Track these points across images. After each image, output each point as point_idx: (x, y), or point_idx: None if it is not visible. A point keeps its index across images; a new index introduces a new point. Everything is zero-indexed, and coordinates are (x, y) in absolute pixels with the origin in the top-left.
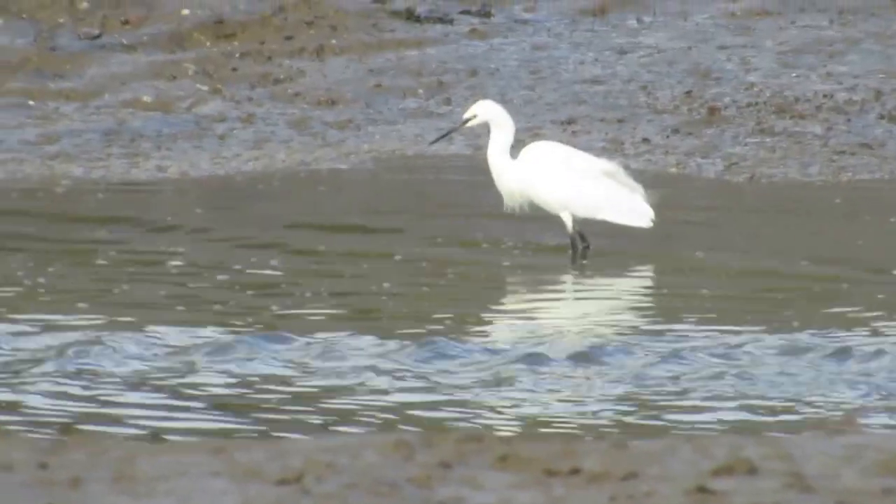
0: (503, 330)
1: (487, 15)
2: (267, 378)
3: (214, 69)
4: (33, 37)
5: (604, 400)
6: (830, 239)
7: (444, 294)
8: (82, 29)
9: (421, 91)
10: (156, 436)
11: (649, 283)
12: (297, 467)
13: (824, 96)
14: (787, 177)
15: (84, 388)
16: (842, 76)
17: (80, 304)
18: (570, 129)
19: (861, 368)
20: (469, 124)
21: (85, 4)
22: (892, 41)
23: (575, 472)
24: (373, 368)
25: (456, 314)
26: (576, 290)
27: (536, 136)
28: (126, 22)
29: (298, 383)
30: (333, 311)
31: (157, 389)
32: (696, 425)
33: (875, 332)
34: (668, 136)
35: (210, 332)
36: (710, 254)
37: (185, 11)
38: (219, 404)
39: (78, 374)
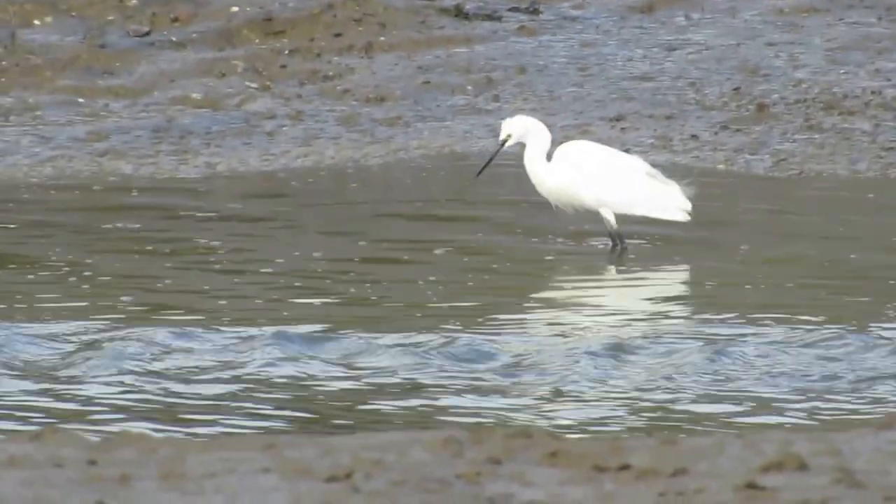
0: (545, 324)
1: (536, 12)
2: (310, 375)
3: (263, 66)
4: (83, 34)
5: (645, 395)
6: (878, 234)
7: (486, 287)
8: (131, 26)
9: (469, 88)
10: (205, 433)
11: (693, 276)
12: (346, 464)
13: (872, 93)
14: (836, 173)
15: (135, 383)
16: (890, 73)
17: (124, 298)
18: (618, 126)
19: None
20: (508, 145)
21: (134, 2)
22: None
23: (624, 468)
24: (411, 365)
25: (496, 308)
26: (619, 283)
27: (585, 133)
28: (175, 19)
29: (342, 380)
30: (379, 307)
31: (200, 385)
32: (743, 421)
33: None
34: (716, 133)
35: (252, 329)
36: (755, 247)
37: (234, 8)
38: (264, 401)
39: (129, 370)
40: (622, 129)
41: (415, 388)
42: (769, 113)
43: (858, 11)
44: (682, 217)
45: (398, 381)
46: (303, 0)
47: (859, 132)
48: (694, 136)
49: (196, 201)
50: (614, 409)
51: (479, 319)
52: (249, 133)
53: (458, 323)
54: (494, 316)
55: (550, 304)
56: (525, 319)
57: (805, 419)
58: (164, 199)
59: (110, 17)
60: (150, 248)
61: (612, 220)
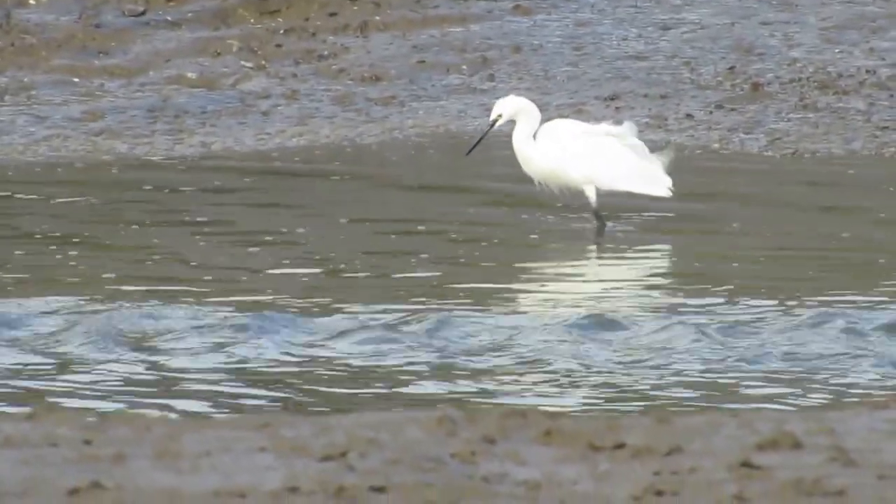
0: (536, 300)
1: None
2: (300, 355)
3: (259, 46)
4: (78, 13)
5: (634, 372)
6: (871, 213)
7: (476, 264)
8: (126, 6)
9: (465, 67)
10: (200, 412)
11: (682, 252)
12: (341, 443)
13: (867, 72)
14: (830, 152)
15: (130, 362)
16: (885, 52)
17: (118, 275)
18: (613, 105)
19: None
20: (498, 124)
21: None
22: None
23: (619, 447)
24: (402, 343)
25: (485, 285)
26: (608, 259)
27: (580, 113)
28: None
29: (330, 359)
30: (370, 285)
31: (195, 364)
32: (736, 399)
33: None
34: (711, 112)
35: (246, 307)
36: (746, 226)
37: None
38: (257, 381)
39: (124, 349)
40: (617, 108)
41: (406, 367)
42: (764, 92)
43: None
44: (666, 192)
45: (389, 360)
46: None
47: (854, 111)
48: (689, 116)
49: (189, 178)
50: (604, 387)
51: (468, 296)
52: (245, 112)
53: (448, 300)
54: (483, 293)
55: (539, 280)
56: (515, 296)
57: (797, 397)
58: (158, 176)
59: None
60: (143, 224)
61: (593, 197)
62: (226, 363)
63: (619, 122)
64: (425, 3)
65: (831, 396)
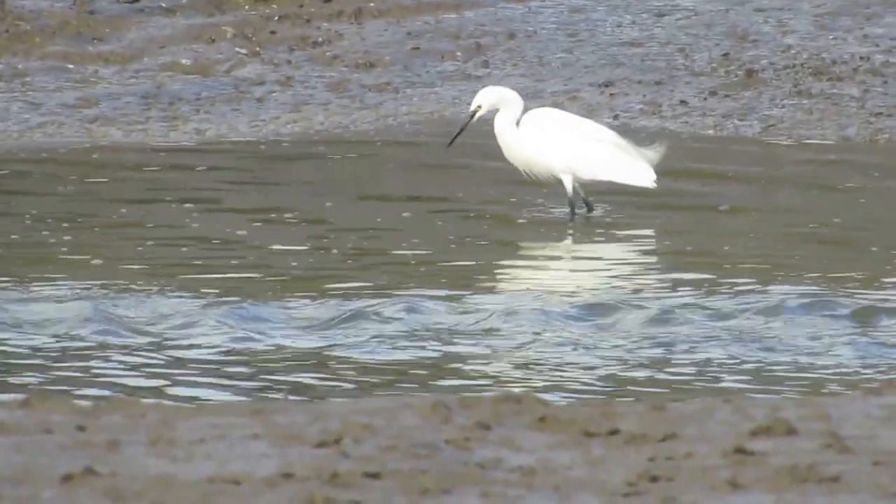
0: (528, 285)
1: None
2: (290, 344)
3: (253, 32)
4: (72, 0)
5: (626, 357)
6: (864, 199)
7: (467, 247)
8: None
9: (459, 54)
10: (194, 399)
11: (673, 238)
12: (336, 430)
13: (861, 59)
14: (824, 138)
15: (123, 348)
16: (879, 38)
17: (111, 263)
18: (607, 92)
19: (892, 330)
20: (478, 115)
21: None
22: None
23: (613, 433)
24: (394, 327)
25: (476, 270)
26: (595, 243)
27: (574, 99)
28: None
29: (321, 344)
30: (361, 271)
31: (189, 351)
32: (729, 385)
33: None
34: (705, 99)
35: (235, 295)
36: (736, 210)
37: None
38: (252, 367)
39: (117, 335)
40: (611, 94)
41: (398, 351)
42: (758, 79)
43: None
44: (649, 183)
45: (383, 345)
46: None
47: (848, 98)
48: (683, 102)
49: (182, 164)
50: (597, 373)
51: (458, 281)
52: (239, 99)
53: (438, 285)
54: (474, 277)
55: (530, 264)
56: (507, 279)
57: (791, 383)
58: (152, 163)
59: None
60: (134, 212)
61: (569, 187)
62: (220, 349)
63: (613, 109)
64: None
65: (826, 382)
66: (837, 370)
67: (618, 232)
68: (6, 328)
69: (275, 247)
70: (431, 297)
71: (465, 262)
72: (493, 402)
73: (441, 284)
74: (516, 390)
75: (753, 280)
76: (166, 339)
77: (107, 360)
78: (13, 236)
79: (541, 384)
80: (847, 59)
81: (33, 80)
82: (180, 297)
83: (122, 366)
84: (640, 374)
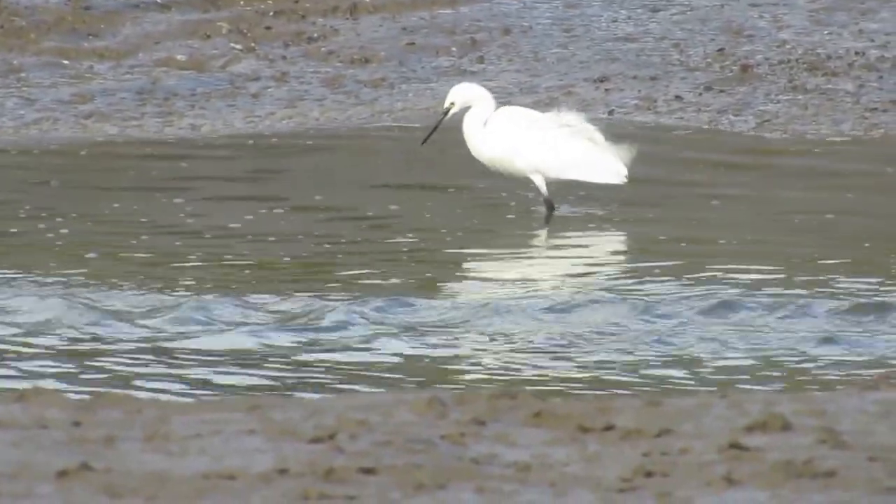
0: (515, 280)
1: None
2: (285, 338)
3: (248, 28)
4: None
5: (616, 353)
6: (859, 195)
7: (453, 244)
8: None
9: (454, 49)
10: (190, 394)
11: (665, 231)
12: (331, 425)
13: (856, 53)
14: (819, 133)
15: (119, 344)
16: (874, 33)
17: (101, 258)
18: (602, 87)
19: (886, 325)
20: (451, 112)
21: None
22: None
23: (609, 428)
24: (386, 325)
25: (459, 266)
26: (585, 239)
27: (569, 94)
28: None
29: (317, 343)
30: (347, 266)
31: (184, 346)
32: (723, 381)
33: None
34: (700, 94)
35: (229, 292)
36: (729, 204)
37: None
38: (247, 364)
39: (112, 331)
40: (606, 90)
41: (393, 346)
42: (753, 74)
43: None
44: (619, 181)
45: (377, 340)
46: None
47: (843, 93)
48: (678, 97)
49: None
50: (588, 369)
51: (444, 276)
52: (234, 95)
53: (430, 278)
54: (457, 274)
55: (518, 258)
56: (493, 274)
57: (784, 379)
58: (144, 158)
59: None
60: (128, 207)
61: (542, 186)
62: (216, 344)
63: (608, 105)
64: None
65: (821, 377)
66: (833, 365)
67: (610, 225)
68: (0, 323)
69: (269, 240)
70: (426, 293)
71: (456, 252)
72: (489, 397)
73: (433, 277)
74: (511, 386)
75: (747, 274)
76: (161, 334)
77: (102, 354)
78: (10, 230)
79: (536, 379)
80: (842, 54)
81: (28, 75)
82: (174, 291)
83: (117, 361)
84: (635, 369)
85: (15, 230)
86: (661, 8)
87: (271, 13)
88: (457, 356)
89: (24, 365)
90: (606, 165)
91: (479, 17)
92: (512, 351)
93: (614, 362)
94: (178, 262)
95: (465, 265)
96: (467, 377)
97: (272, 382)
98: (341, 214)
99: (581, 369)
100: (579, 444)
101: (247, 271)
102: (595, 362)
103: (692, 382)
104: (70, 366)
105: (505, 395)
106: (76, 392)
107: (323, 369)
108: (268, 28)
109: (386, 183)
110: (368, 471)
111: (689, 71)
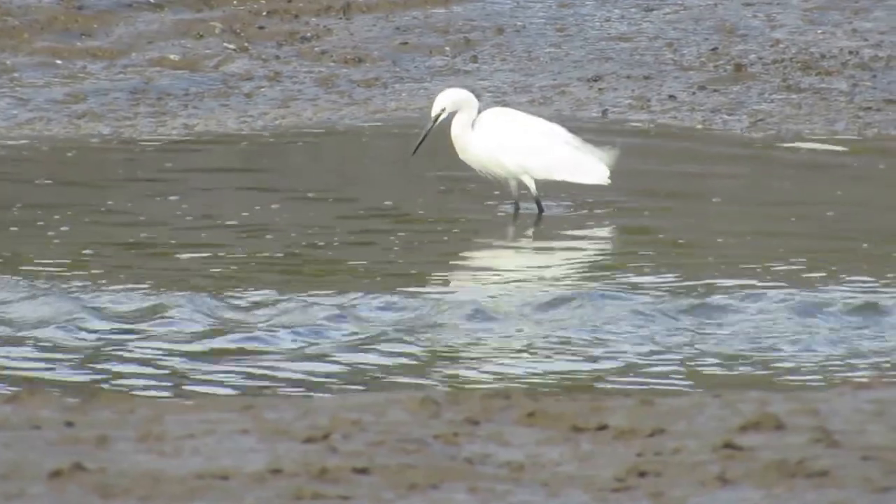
0: (508, 279)
1: None
2: (280, 338)
3: (241, 27)
4: None
5: (609, 352)
6: (852, 193)
7: (440, 244)
8: None
9: (447, 49)
10: (183, 394)
11: (665, 231)
12: (324, 425)
13: (850, 53)
14: (813, 133)
15: (111, 344)
16: (867, 33)
17: (99, 257)
18: (596, 87)
19: (880, 324)
20: (441, 119)
21: None
22: None
23: (602, 428)
24: (383, 324)
25: (447, 264)
26: (579, 238)
27: (563, 94)
28: None
29: (311, 343)
30: (339, 268)
31: (178, 346)
32: (715, 381)
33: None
34: (694, 93)
35: (223, 290)
36: (724, 203)
37: None
38: (241, 363)
39: (105, 331)
40: (600, 89)
41: (386, 347)
42: (747, 73)
43: None
44: (603, 182)
45: (371, 340)
46: None
47: (836, 92)
48: (671, 97)
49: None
50: (581, 368)
51: (435, 276)
52: (227, 94)
53: (425, 277)
54: (445, 273)
55: (512, 257)
56: (489, 273)
57: (777, 378)
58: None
59: None
60: (121, 205)
61: (532, 186)
62: (210, 343)
63: (602, 104)
64: None
65: (815, 376)
66: (826, 364)
67: (602, 225)
68: None
69: (266, 237)
70: (419, 292)
71: (449, 250)
72: (482, 397)
73: (426, 276)
74: (505, 386)
75: (741, 273)
76: (153, 333)
77: (95, 354)
78: (3, 230)
79: (529, 379)
80: (836, 53)
81: (21, 75)
82: (166, 290)
83: (109, 360)
84: (629, 368)
85: (7, 230)
86: (655, 7)
87: (264, 13)
88: (450, 356)
89: (17, 364)
90: (591, 167)
91: (472, 17)
92: (505, 351)
93: (608, 362)
94: (170, 260)
95: (458, 263)
96: (460, 377)
97: (265, 382)
98: (334, 210)
99: (574, 369)
100: (573, 444)
101: (241, 270)
102: (588, 362)
103: (686, 382)
104: (62, 366)
105: (498, 394)
106: (69, 392)
107: (316, 369)
108: (261, 28)
109: (379, 178)
110: (362, 470)
111: (683, 70)
